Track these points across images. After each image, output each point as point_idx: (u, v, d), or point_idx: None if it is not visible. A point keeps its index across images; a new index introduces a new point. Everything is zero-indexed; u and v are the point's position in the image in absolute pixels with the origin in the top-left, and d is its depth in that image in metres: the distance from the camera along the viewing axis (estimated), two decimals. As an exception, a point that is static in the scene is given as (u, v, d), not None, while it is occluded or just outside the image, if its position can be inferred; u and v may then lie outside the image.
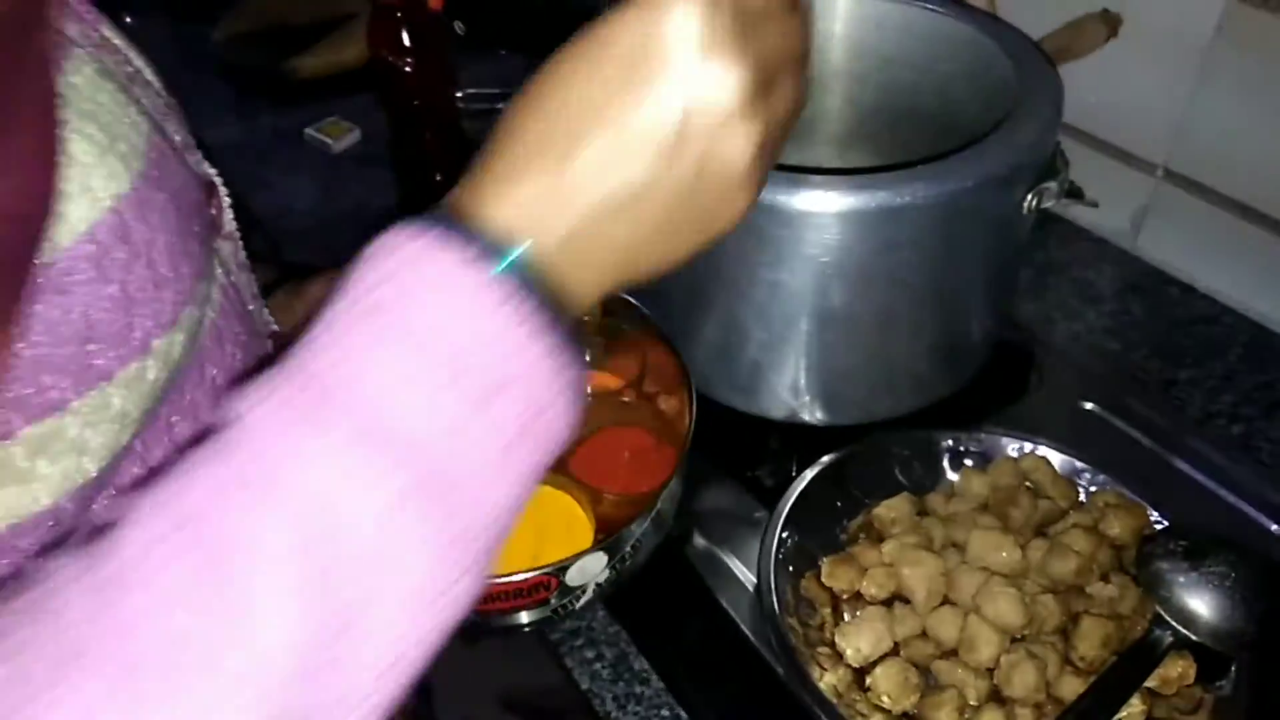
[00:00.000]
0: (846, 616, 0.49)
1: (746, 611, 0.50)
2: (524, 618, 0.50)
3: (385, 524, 0.27)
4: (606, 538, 0.48)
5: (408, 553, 0.27)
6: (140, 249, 0.32)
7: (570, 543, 0.50)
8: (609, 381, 0.56)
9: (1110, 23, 0.76)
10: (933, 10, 0.57)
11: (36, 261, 0.29)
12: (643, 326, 0.55)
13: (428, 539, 0.27)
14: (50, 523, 0.32)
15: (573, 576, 0.48)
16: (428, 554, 0.28)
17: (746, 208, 0.33)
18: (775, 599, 0.48)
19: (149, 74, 0.39)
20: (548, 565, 0.46)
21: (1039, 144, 0.48)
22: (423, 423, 0.27)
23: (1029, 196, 0.48)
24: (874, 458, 0.55)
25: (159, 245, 0.33)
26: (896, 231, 0.47)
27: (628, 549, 0.49)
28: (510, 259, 0.29)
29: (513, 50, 0.83)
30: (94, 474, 0.33)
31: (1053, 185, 0.48)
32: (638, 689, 0.58)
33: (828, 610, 0.50)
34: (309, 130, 1.04)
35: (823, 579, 0.50)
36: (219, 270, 0.40)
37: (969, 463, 0.55)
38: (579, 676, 0.59)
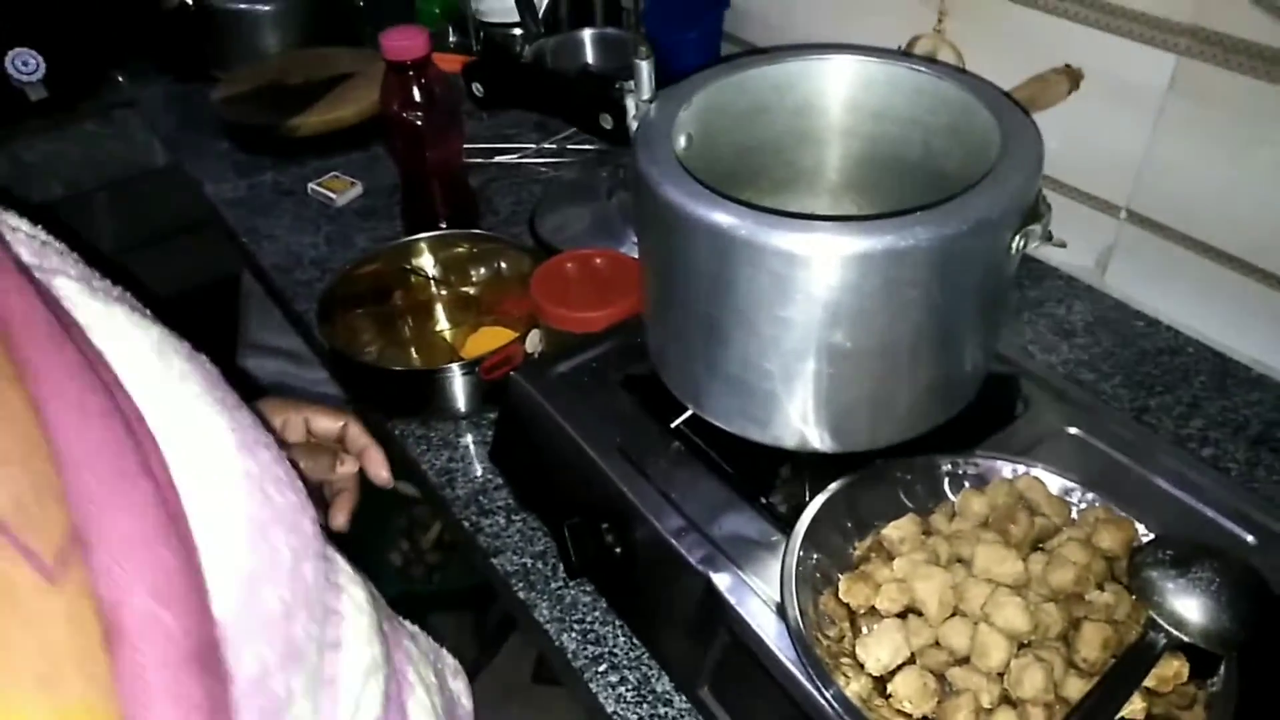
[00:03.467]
0: (864, 630, 0.53)
1: (769, 628, 0.53)
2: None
3: None
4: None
5: None
6: None
7: None
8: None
9: (1073, 76, 0.82)
10: (915, 68, 0.62)
11: None
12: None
13: None
14: None
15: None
16: None
17: None
18: (799, 614, 0.51)
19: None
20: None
21: (1024, 190, 0.52)
22: None
23: (1016, 239, 0.53)
24: (879, 482, 0.59)
25: None
26: (900, 272, 0.51)
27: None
28: None
29: (519, 108, 0.89)
30: None
31: (1036, 228, 0.53)
32: (661, 709, 0.61)
33: (846, 624, 0.53)
34: (312, 185, 1.07)
35: (840, 595, 0.53)
36: None
37: (967, 484, 0.59)
38: (605, 701, 0.62)
